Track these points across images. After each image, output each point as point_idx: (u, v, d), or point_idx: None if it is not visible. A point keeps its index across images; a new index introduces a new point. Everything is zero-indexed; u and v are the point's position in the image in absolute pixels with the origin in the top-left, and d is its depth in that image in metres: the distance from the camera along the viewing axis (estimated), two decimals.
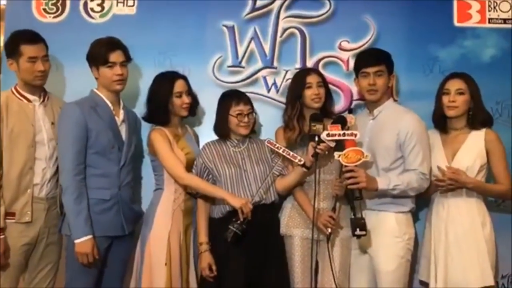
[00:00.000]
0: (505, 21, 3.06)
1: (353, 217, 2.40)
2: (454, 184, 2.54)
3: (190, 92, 2.73)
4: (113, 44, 2.59)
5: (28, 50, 2.55)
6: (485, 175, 2.63)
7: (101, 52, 2.55)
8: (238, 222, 2.42)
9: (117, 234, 2.58)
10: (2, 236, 2.50)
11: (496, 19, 3.06)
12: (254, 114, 2.70)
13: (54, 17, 3.06)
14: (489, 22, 3.06)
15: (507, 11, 3.07)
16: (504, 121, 2.97)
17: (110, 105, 2.61)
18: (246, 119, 2.63)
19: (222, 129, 2.66)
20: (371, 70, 2.60)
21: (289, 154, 2.53)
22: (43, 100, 2.67)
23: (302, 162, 2.50)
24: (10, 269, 2.54)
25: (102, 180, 2.55)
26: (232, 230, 2.41)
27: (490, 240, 2.57)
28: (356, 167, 2.41)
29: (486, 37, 3.05)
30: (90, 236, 2.44)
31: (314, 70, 2.80)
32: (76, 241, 2.43)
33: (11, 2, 3.07)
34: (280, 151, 2.54)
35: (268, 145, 2.57)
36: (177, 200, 2.64)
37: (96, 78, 2.61)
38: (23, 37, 2.57)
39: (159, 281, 2.54)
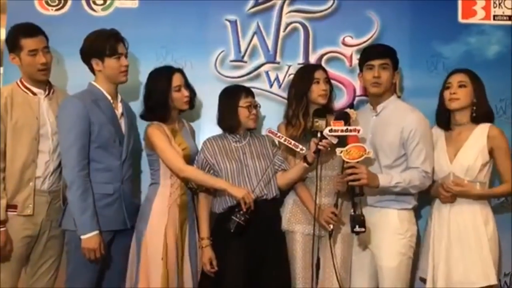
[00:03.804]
0: (510, 18, 3.04)
1: (353, 213, 2.40)
2: (460, 196, 2.54)
3: (187, 84, 2.71)
4: (118, 35, 2.57)
5: (28, 43, 2.54)
6: (488, 173, 2.61)
7: (109, 42, 2.51)
8: (241, 212, 2.41)
9: (120, 228, 2.58)
10: (3, 229, 2.49)
11: (501, 15, 3.04)
12: (258, 108, 2.70)
13: (56, 9, 3.04)
14: (494, 19, 3.04)
15: None
16: (507, 118, 2.96)
17: (110, 98, 2.59)
18: (254, 111, 2.64)
19: (231, 121, 2.63)
20: (376, 62, 2.59)
21: (290, 143, 2.54)
22: (48, 93, 2.66)
23: (304, 151, 2.50)
24: (11, 262, 2.54)
25: (105, 174, 2.53)
26: (235, 221, 2.41)
27: (493, 239, 2.55)
28: (357, 163, 2.40)
29: (490, 34, 3.03)
30: (96, 232, 2.43)
31: (320, 66, 2.79)
32: (83, 237, 2.41)
33: None
34: (282, 140, 2.56)
35: (270, 134, 2.57)
36: (173, 195, 2.62)
37: (99, 71, 2.56)
38: (22, 31, 2.56)
39: (155, 276, 2.52)
